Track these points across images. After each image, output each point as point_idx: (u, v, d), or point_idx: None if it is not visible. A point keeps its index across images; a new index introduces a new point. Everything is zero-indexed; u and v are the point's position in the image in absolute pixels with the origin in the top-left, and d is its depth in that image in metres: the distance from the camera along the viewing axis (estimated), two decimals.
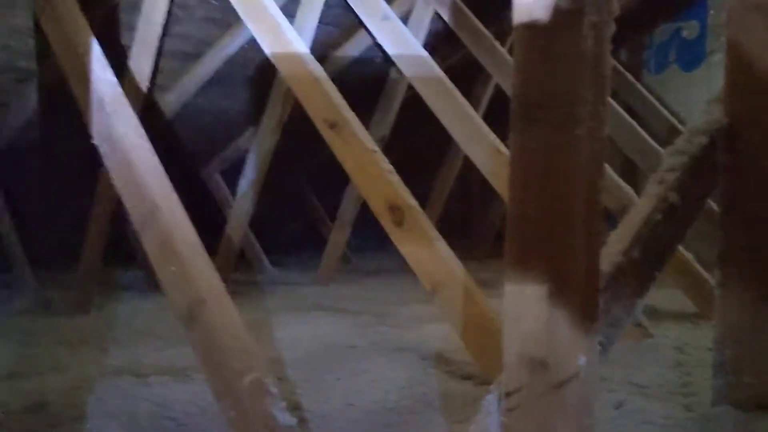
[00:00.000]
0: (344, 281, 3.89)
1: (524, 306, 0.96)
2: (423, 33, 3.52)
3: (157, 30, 2.92)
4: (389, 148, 4.07)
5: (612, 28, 0.95)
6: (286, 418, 1.27)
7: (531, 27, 0.95)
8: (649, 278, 1.30)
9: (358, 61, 3.90)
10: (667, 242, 1.34)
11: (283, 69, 2.32)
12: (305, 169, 4.71)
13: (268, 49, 2.34)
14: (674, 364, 2.10)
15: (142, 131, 1.70)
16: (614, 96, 4.12)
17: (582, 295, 0.94)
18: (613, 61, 4.18)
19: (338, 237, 3.90)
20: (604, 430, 1.51)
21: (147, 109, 3.08)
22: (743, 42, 1.49)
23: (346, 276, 4.05)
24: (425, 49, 2.82)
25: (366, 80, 4.10)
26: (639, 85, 4.17)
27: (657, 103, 4.10)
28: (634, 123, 3.56)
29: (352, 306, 3.12)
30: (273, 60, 2.33)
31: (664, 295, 3.27)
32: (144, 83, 2.89)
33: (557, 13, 0.93)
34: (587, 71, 0.93)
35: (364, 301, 3.27)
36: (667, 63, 4.89)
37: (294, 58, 2.26)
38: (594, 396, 0.96)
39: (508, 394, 0.97)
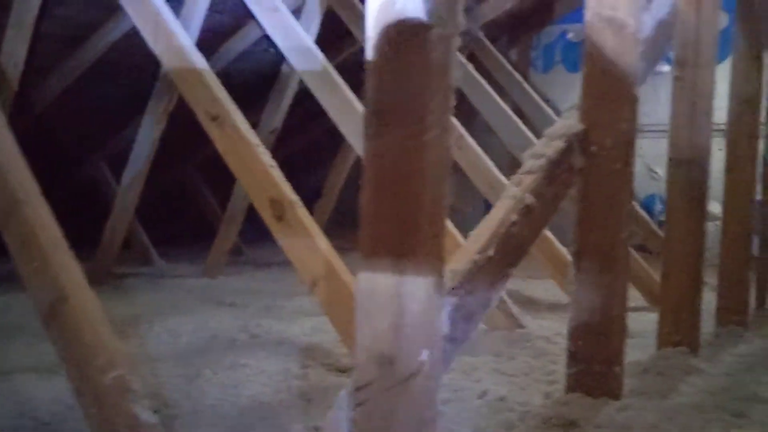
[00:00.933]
0: (234, 274, 3.85)
1: (374, 303, 1.00)
2: (315, 27, 3.52)
3: (34, 11, 2.80)
4: (283, 141, 4.07)
5: (458, 41, 1.00)
6: (148, 416, 1.26)
7: (384, 36, 0.99)
8: (503, 275, 1.38)
9: (251, 52, 3.86)
10: (521, 241, 1.42)
11: (164, 60, 2.28)
12: (197, 159, 4.62)
13: (149, 38, 2.29)
14: (542, 354, 2.21)
15: (2, 119, 1.64)
16: (502, 94, 4.28)
17: (427, 292, 0.99)
18: (502, 60, 4.37)
19: (228, 229, 3.86)
20: (467, 418, 1.59)
21: (22, 94, 2.95)
22: (598, 53, 1.60)
23: (238, 268, 4.02)
24: (319, 43, 2.83)
25: (259, 71, 4.07)
26: (526, 84, 4.34)
27: (542, 102, 4.28)
28: (519, 121, 3.71)
29: (239, 299, 3.11)
30: (154, 50, 2.29)
31: (543, 286, 3.44)
32: (18, 67, 2.77)
33: (407, 24, 0.97)
34: (434, 81, 0.97)
35: (252, 293, 3.26)
36: (553, 63, 5.11)
37: (176, 48, 2.22)
38: (437, 389, 1.02)
39: (357, 389, 1.01)
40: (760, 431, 1.53)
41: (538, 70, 5.14)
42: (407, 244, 0.99)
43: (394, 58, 0.98)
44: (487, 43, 4.25)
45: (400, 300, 0.98)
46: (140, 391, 1.29)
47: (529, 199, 1.45)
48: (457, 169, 3.37)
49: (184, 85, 2.22)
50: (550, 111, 4.22)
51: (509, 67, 4.30)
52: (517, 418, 1.56)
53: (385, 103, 0.99)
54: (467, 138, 3.16)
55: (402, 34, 0.97)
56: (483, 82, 3.75)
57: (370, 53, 1.00)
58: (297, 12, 3.48)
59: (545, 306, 3.07)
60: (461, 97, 4.05)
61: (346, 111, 2.64)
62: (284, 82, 3.78)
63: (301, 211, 1.99)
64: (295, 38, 2.75)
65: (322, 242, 1.97)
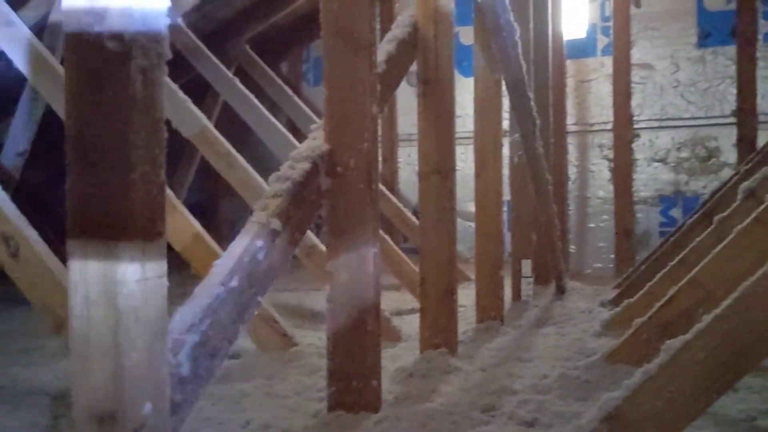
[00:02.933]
0: None
1: (90, 359, 0.92)
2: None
3: None
4: (34, 162, 3.73)
5: (163, 71, 0.95)
6: None
7: (80, 67, 0.91)
8: (250, 304, 1.34)
9: None
10: (269, 267, 1.40)
11: None
12: None
13: None
14: (316, 370, 2.20)
15: None
16: (275, 109, 4.27)
17: (148, 339, 0.94)
18: (272, 74, 4.36)
19: None
20: None
21: None
22: (336, 72, 1.62)
23: None
24: None
25: (5, 87, 3.69)
26: (297, 98, 4.37)
27: (314, 116, 4.34)
28: (291, 136, 3.72)
29: None
30: None
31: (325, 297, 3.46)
32: None
33: (105, 56, 0.90)
34: (137, 116, 0.91)
35: (5, 335, 2.93)
36: None
37: None
38: None
39: None
40: (505, 423, 1.64)
41: (310, 84, 5.19)
42: None
43: (92, 89, 0.91)
44: (255, 57, 4.22)
45: (118, 350, 0.92)
46: None
47: (275, 223, 1.43)
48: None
49: None
50: None
51: (279, 81, 4.30)
52: None
53: (86, 139, 0.92)
54: (236, 156, 3.11)
55: (99, 65, 0.90)
56: (251, 96, 3.71)
57: (68, 82, 0.92)
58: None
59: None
60: (232, 112, 3.99)
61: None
62: (31, 97, 3.46)
63: (38, 246, 1.82)
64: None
65: (65, 279, 1.81)
